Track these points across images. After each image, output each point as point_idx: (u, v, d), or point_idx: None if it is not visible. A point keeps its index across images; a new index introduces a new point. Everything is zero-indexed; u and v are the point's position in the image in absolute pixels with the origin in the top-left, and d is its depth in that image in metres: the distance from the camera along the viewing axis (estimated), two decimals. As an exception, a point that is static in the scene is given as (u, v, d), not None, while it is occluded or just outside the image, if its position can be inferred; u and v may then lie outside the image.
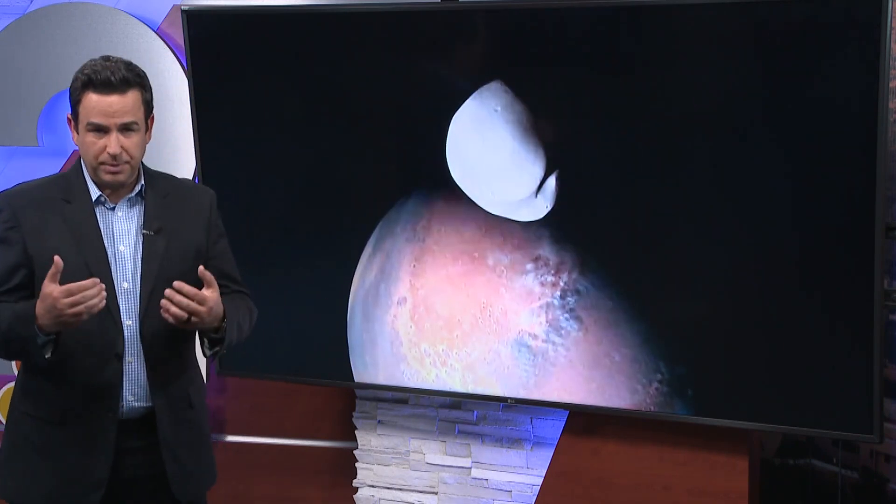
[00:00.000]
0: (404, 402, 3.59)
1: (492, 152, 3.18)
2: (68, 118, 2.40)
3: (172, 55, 3.64)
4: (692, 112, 2.93)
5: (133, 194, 2.42)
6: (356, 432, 3.68)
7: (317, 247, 3.41)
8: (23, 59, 3.74)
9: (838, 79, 2.75)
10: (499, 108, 3.16)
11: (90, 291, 2.21)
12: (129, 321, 2.39)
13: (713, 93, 2.91)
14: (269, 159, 3.39)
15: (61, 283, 2.22)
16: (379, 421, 3.63)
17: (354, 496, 3.70)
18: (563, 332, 3.19)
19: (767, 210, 2.88)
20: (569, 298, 3.16)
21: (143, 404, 2.43)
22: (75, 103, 2.35)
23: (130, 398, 2.41)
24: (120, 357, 2.38)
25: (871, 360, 2.79)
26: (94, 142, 2.34)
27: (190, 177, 3.59)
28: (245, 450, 3.83)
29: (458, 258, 3.29)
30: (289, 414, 3.79)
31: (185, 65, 3.46)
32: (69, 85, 2.38)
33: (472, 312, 3.29)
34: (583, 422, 3.29)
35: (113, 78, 2.31)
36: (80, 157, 2.42)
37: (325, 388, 3.66)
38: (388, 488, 3.64)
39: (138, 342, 2.40)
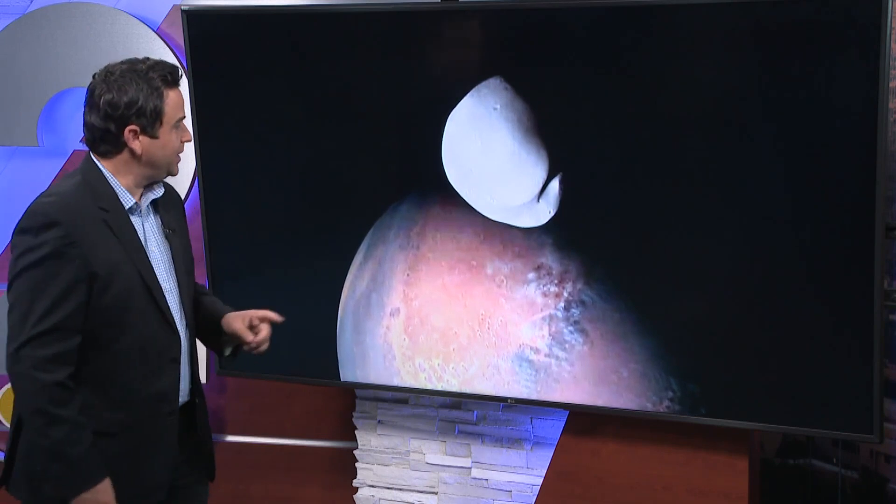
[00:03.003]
0: (404, 402, 3.59)
1: (491, 153, 3.11)
2: (133, 130, 2.33)
3: (172, 55, 3.64)
4: (693, 112, 2.93)
5: (158, 195, 2.45)
6: (356, 432, 3.68)
7: (309, 250, 3.39)
8: (23, 59, 3.74)
9: (838, 79, 2.75)
10: (498, 107, 3.08)
11: None
12: (178, 321, 2.43)
13: (714, 92, 2.90)
14: (267, 159, 3.38)
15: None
16: (379, 421, 3.63)
17: (354, 496, 3.70)
18: (566, 345, 3.10)
19: (768, 210, 2.88)
20: (573, 310, 3.08)
21: (185, 399, 2.50)
22: (157, 107, 2.32)
23: (182, 394, 2.48)
24: (177, 359, 2.42)
25: (871, 360, 2.79)
26: (177, 136, 2.39)
27: (190, 177, 3.60)
28: (245, 450, 3.83)
29: (455, 266, 3.19)
30: (289, 414, 3.79)
31: (184, 65, 3.46)
32: (134, 95, 2.31)
33: (470, 325, 3.20)
34: (583, 422, 3.29)
35: (179, 72, 2.39)
36: (94, 164, 2.38)
37: (325, 388, 3.65)
38: (388, 488, 3.64)
39: (184, 339, 2.46)
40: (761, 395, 2.96)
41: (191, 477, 2.57)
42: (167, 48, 3.65)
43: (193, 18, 3.33)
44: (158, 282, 2.38)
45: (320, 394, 3.74)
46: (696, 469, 3.16)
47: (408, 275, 3.25)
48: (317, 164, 3.32)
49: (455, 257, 3.19)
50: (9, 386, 3.90)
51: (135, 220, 2.39)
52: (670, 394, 3.02)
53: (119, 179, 2.37)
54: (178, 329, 2.42)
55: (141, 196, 2.41)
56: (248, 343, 2.50)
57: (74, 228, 2.26)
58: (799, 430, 3.08)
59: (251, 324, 2.51)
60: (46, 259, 2.23)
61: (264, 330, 2.52)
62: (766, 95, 2.84)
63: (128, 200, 2.37)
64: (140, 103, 2.31)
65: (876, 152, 2.70)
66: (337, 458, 3.77)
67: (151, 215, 2.45)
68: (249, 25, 3.33)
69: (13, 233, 2.30)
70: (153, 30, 3.68)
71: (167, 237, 2.45)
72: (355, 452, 3.68)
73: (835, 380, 2.88)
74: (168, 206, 2.51)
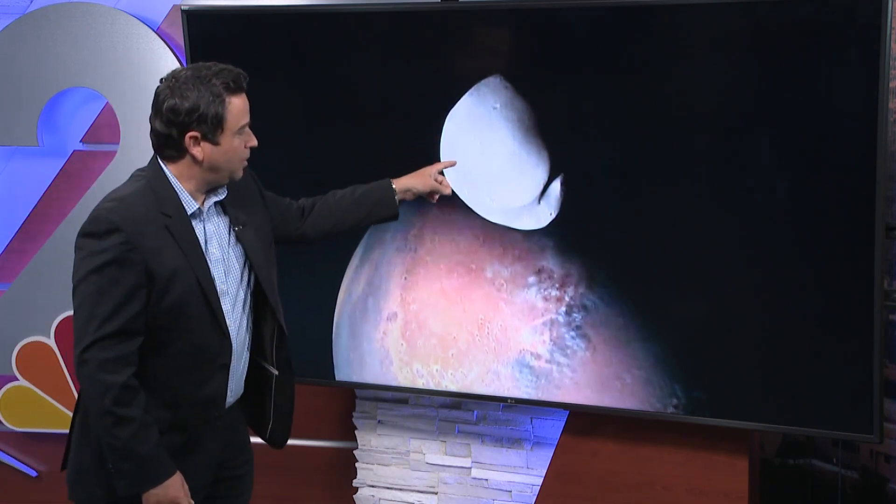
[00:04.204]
0: (404, 402, 3.59)
1: (490, 154, 3.09)
2: (194, 137, 2.33)
3: (172, 55, 3.64)
4: (694, 112, 2.93)
5: (219, 199, 2.45)
6: (356, 432, 3.68)
7: (306, 253, 3.37)
8: (23, 59, 3.74)
9: (838, 79, 2.75)
10: (498, 106, 3.06)
11: None
12: (230, 323, 2.44)
13: (714, 93, 2.90)
14: (267, 159, 3.37)
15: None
16: (379, 421, 3.63)
17: (354, 496, 3.70)
18: (568, 351, 3.08)
19: (767, 210, 2.88)
20: (575, 315, 3.06)
21: (236, 398, 2.55)
22: (218, 113, 2.32)
23: (230, 395, 2.50)
24: (226, 366, 2.44)
25: (871, 360, 2.79)
26: (241, 143, 2.39)
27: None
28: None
29: (454, 270, 3.17)
30: (289, 414, 3.79)
31: (185, 65, 3.46)
32: (196, 102, 2.31)
33: (469, 329, 3.18)
34: (583, 422, 3.28)
35: (244, 78, 2.40)
36: (160, 169, 2.38)
37: (325, 388, 3.65)
38: (388, 488, 3.64)
39: (237, 342, 2.47)
40: (761, 395, 2.96)
41: (245, 468, 2.67)
42: (167, 48, 3.65)
43: (193, 18, 3.33)
44: (215, 286, 2.40)
45: (320, 394, 3.74)
46: (696, 469, 3.16)
47: (405, 278, 3.24)
48: (315, 164, 3.32)
49: (454, 260, 3.18)
50: (9, 386, 3.90)
51: (196, 223, 2.40)
52: (674, 400, 3.00)
53: (183, 184, 2.38)
54: (230, 333, 2.43)
55: (204, 200, 2.42)
56: (443, 192, 2.85)
57: (135, 235, 2.28)
58: (799, 430, 3.08)
59: (435, 178, 2.84)
60: (108, 265, 2.27)
61: (444, 179, 2.86)
62: (767, 96, 2.84)
63: (191, 206, 2.39)
64: (201, 110, 2.31)
65: (876, 152, 2.70)
66: (337, 458, 3.77)
67: (216, 216, 2.46)
68: (249, 25, 3.33)
69: (77, 236, 2.33)
70: (153, 30, 3.68)
71: (237, 235, 2.47)
72: (355, 452, 3.68)
73: (835, 380, 2.88)
74: (236, 201, 2.50)
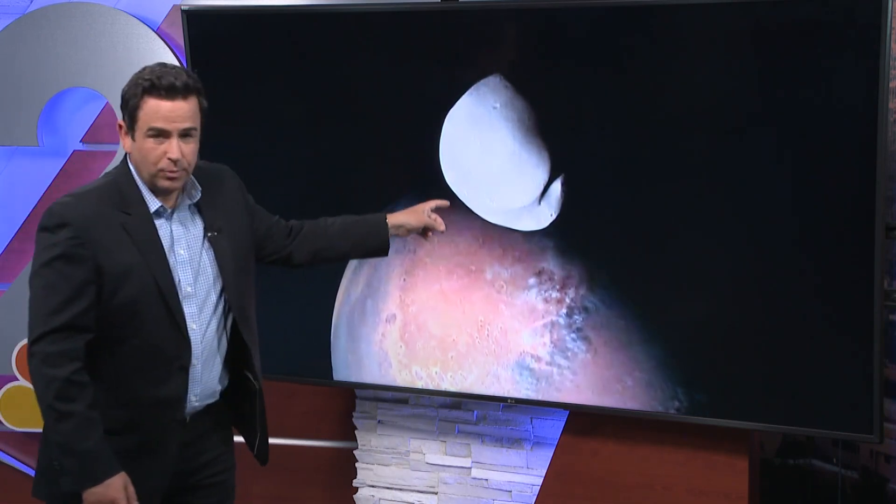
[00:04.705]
0: (404, 402, 3.59)
1: (490, 154, 3.08)
2: (120, 124, 2.36)
3: (172, 55, 3.64)
4: (694, 112, 2.93)
5: (194, 201, 2.43)
6: (356, 432, 3.68)
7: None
8: (23, 59, 3.74)
9: (838, 79, 2.75)
10: (498, 105, 3.04)
11: None
12: (194, 325, 2.40)
13: (715, 93, 2.90)
14: (266, 160, 3.38)
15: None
16: (379, 421, 3.63)
17: (354, 496, 3.70)
18: (569, 353, 3.07)
19: (768, 210, 2.88)
20: (576, 317, 3.05)
21: (204, 402, 2.48)
22: (133, 109, 2.32)
23: (194, 399, 2.45)
24: (185, 368, 2.40)
25: (871, 360, 2.79)
26: (154, 147, 2.32)
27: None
28: (245, 450, 3.81)
29: (453, 271, 3.15)
30: (289, 414, 3.79)
31: (185, 65, 3.46)
32: (125, 90, 2.34)
33: (469, 332, 3.16)
34: (583, 422, 3.28)
35: (177, 83, 2.31)
36: (127, 165, 2.38)
37: (325, 388, 3.65)
38: (388, 488, 3.64)
39: (203, 346, 2.42)
40: (761, 395, 2.96)
41: (221, 476, 2.60)
42: (167, 48, 3.65)
43: (193, 18, 3.33)
44: (176, 287, 2.37)
45: (320, 394, 3.74)
46: (696, 469, 3.16)
47: (404, 280, 3.23)
48: (314, 164, 3.32)
49: (453, 262, 3.16)
50: (9, 386, 3.90)
51: (162, 222, 2.38)
52: (676, 403, 3.00)
53: (141, 180, 2.37)
54: (191, 336, 2.39)
55: (177, 200, 2.40)
56: (437, 229, 2.76)
57: (84, 230, 2.28)
58: (799, 430, 3.08)
59: (428, 215, 2.76)
60: (57, 259, 2.27)
61: (438, 217, 2.77)
62: (767, 96, 2.84)
63: (153, 203, 2.36)
64: (125, 99, 2.33)
65: (876, 152, 2.70)
66: (337, 458, 3.77)
67: (190, 218, 2.43)
68: (249, 25, 3.33)
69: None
70: (153, 30, 3.68)
71: (210, 240, 2.43)
72: (355, 452, 3.68)
73: (835, 380, 2.88)
74: (215, 206, 2.47)
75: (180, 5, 3.36)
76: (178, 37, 3.60)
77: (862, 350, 2.80)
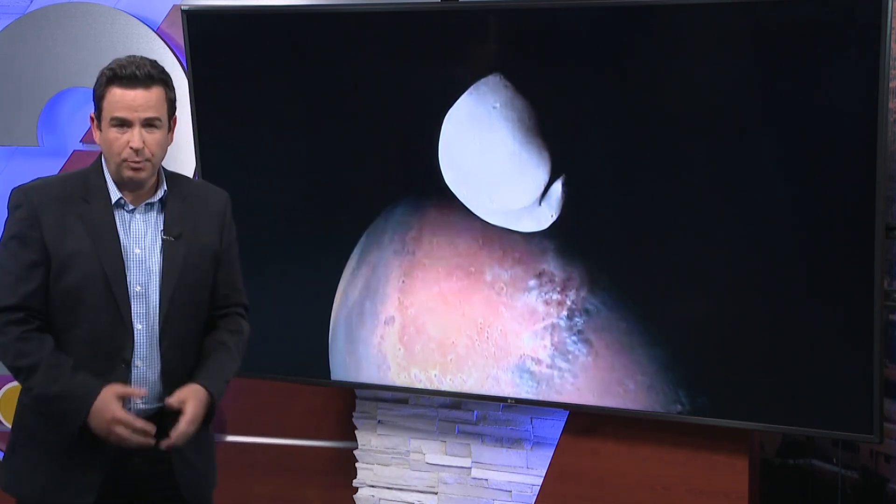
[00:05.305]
0: (404, 402, 3.59)
1: (490, 154, 3.07)
2: (91, 117, 2.38)
3: (172, 55, 3.64)
4: (694, 112, 2.93)
5: (155, 199, 2.41)
6: (356, 432, 3.68)
7: (302, 255, 3.36)
8: (23, 59, 3.74)
9: (838, 79, 2.75)
10: (498, 105, 3.03)
11: (145, 439, 2.31)
12: (140, 325, 2.38)
13: (715, 93, 2.90)
14: (265, 160, 3.38)
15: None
16: (379, 421, 3.63)
17: (354, 496, 3.70)
18: (570, 356, 3.05)
19: (768, 210, 2.88)
20: (577, 319, 3.03)
21: (152, 406, 2.41)
22: (99, 99, 2.33)
23: (138, 401, 2.40)
24: (127, 362, 2.38)
25: (871, 360, 2.79)
26: (117, 137, 2.32)
27: (189, 176, 3.59)
28: (245, 450, 3.83)
29: (453, 273, 3.13)
30: (289, 414, 3.79)
31: (184, 65, 3.46)
32: (93, 83, 2.35)
33: (468, 334, 3.15)
34: (583, 422, 3.28)
35: (138, 73, 2.31)
36: (100, 158, 2.40)
37: (325, 388, 3.65)
38: (388, 488, 3.64)
39: (148, 346, 2.40)
40: (761, 395, 2.96)
41: (164, 492, 2.47)
42: (167, 48, 3.65)
43: (193, 18, 3.33)
44: (125, 279, 2.35)
45: (320, 394, 3.74)
46: (696, 469, 3.16)
47: (403, 281, 3.21)
48: (313, 165, 3.32)
49: (452, 263, 3.15)
50: (9, 386, 3.90)
51: (121, 215, 2.38)
52: (678, 407, 2.99)
53: (108, 171, 2.38)
54: (135, 331, 2.37)
55: (142, 197, 2.39)
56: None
57: (38, 211, 2.32)
58: (799, 430, 3.08)
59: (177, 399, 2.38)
60: (12, 239, 2.35)
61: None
62: (767, 96, 2.84)
63: (114, 194, 2.38)
64: (94, 89, 2.35)
65: (876, 152, 2.70)
66: (337, 458, 3.77)
67: (152, 217, 2.41)
68: (249, 25, 3.33)
69: None
70: (153, 30, 3.68)
71: (164, 244, 2.40)
72: (355, 452, 3.68)
73: (835, 380, 2.88)
74: (184, 212, 2.43)
75: (180, 5, 3.36)
76: (178, 37, 3.60)
77: (862, 350, 2.80)
